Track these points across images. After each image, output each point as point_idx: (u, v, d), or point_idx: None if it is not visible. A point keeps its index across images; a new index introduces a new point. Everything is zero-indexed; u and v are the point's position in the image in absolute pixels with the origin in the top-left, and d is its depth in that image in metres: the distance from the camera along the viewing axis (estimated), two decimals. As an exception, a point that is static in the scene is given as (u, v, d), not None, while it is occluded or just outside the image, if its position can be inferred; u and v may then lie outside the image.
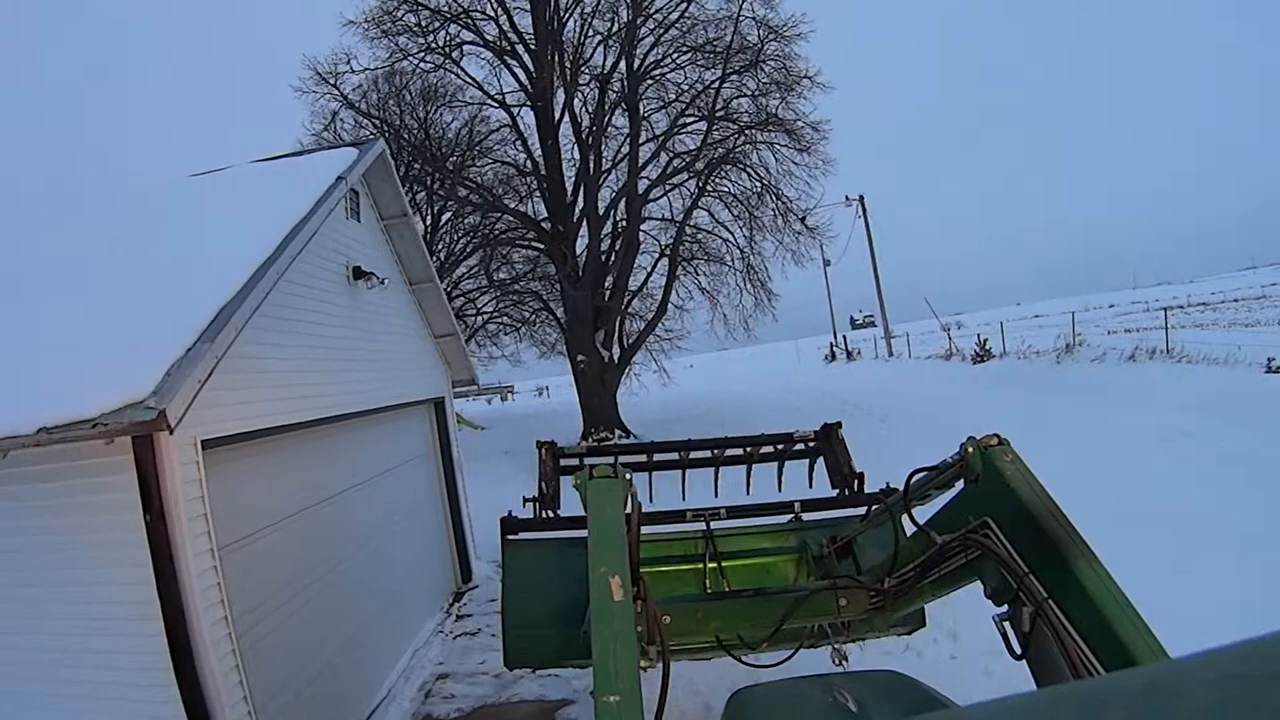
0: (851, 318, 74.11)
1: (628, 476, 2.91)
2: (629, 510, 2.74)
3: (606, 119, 18.59)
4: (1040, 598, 2.35)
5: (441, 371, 9.55)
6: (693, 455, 4.99)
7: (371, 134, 22.41)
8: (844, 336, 37.13)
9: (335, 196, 5.53)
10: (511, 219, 19.80)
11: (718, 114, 17.12)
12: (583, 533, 2.67)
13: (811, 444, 4.94)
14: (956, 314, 46.53)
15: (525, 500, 4.46)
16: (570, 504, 3.58)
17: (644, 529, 2.99)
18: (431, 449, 9.35)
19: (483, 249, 21.11)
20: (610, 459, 4.90)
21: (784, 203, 17.53)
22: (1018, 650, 2.45)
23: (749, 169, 17.89)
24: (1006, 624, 2.49)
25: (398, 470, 8.28)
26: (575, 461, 4.98)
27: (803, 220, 17.56)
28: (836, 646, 3.80)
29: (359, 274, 6.60)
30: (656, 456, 5.05)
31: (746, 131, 17.58)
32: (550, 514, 4.46)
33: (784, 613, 3.09)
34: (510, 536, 4.21)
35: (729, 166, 18.15)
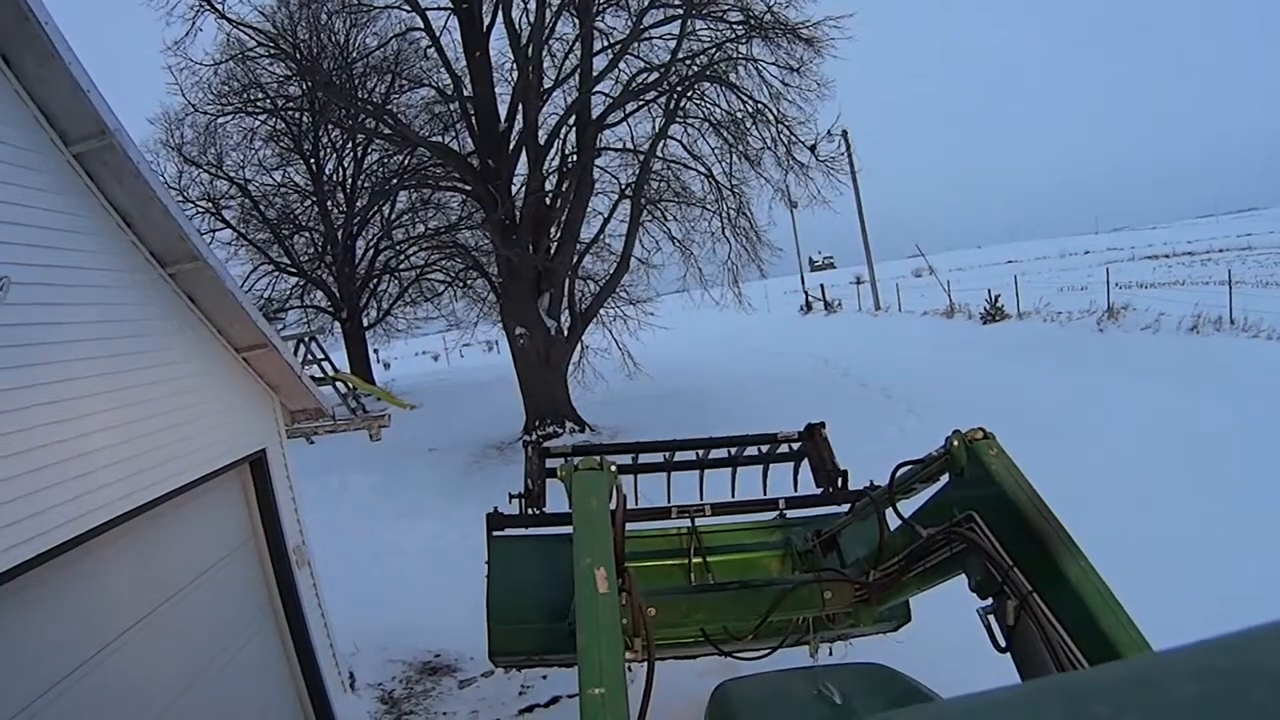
0: (810, 259, 71.66)
1: (612, 468, 2.91)
2: (614, 503, 2.72)
3: (552, 19, 14.21)
4: (1025, 591, 2.34)
5: (263, 407, 5.66)
6: (677, 457, 4.84)
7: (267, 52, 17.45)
8: (821, 286, 33.73)
9: None
10: (437, 157, 15.45)
11: (698, 4, 12.82)
12: (568, 529, 2.65)
13: (796, 444, 4.75)
14: (915, 256, 43.54)
15: (511, 497, 4.40)
16: (555, 501, 3.78)
17: (630, 525, 3.03)
18: (251, 538, 5.55)
19: (377, 196, 17.01)
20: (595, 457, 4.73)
21: (785, 127, 13.47)
22: (1002, 643, 2.44)
23: (734, 87, 13.76)
24: (991, 617, 2.48)
25: (173, 603, 4.53)
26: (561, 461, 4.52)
27: (812, 150, 13.58)
28: (814, 640, 3.71)
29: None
30: (641, 458, 4.83)
31: (737, 40, 13.40)
32: (536, 511, 4.39)
33: (769, 605, 3.12)
34: (496, 532, 4.28)
35: (709, 84, 14.03)
